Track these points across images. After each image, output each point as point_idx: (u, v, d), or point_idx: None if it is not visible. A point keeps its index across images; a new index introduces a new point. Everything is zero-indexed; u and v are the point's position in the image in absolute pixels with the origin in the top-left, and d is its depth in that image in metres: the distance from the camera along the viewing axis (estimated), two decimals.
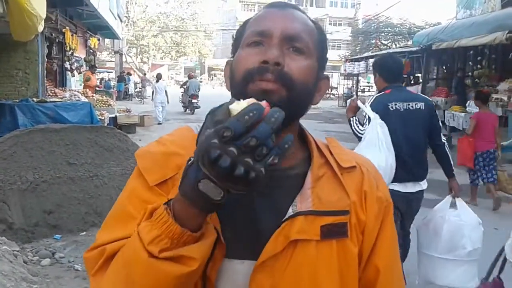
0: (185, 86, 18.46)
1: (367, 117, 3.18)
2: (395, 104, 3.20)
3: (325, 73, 0.94)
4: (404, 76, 17.28)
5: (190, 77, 18.85)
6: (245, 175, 0.64)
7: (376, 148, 2.98)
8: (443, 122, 12.42)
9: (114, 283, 0.76)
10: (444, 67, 17.09)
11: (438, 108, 13.32)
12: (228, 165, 0.64)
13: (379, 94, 3.34)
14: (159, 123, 14.42)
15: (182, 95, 18.78)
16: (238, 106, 0.68)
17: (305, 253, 0.83)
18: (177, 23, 40.74)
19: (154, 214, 0.74)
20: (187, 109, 18.00)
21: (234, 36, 0.92)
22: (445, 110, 12.81)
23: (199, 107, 17.33)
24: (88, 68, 15.60)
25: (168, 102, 15.42)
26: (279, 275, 0.82)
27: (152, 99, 15.29)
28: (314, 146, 0.92)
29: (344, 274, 0.86)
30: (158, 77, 16.59)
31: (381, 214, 0.91)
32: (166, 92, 15.23)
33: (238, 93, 0.83)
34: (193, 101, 17.45)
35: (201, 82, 25.93)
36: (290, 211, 0.84)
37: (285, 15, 0.87)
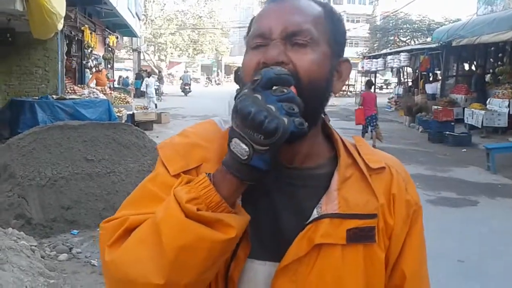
0: (182, 78, 29.40)
1: None
2: None
3: (345, 57, 0.87)
4: (423, 73, 17.08)
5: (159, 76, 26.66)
6: (266, 121, 0.65)
7: None
8: (462, 120, 12.23)
9: (138, 250, 0.71)
10: (464, 64, 16.82)
11: (458, 105, 13.14)
12: (250, 107, 0.65)
13: None
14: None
15: (181, 84, 28.84)
16: None
17: (329, 258, 0.79)
18: (195, 21, 40.87)
19: (193, 180, 0.71)
20: (184, 93, 27.69)
21: (245, 37, 0.88)
22: (465, 108, 12.60)
23: (191, 91, 28.05)
24: (109, 66, 15.74)
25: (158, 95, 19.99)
26: (302, 280, 0.79)
27: (146, 93, 17.95)
28: (341, 145, 0.87)
29: (370, 280, 0.82)
30: (149, 74, 20.60)
31: (409, 219, 0.86)
32: (156, 86, 19.41)
33: None
34: (186, 87, 27.93)
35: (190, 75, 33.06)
36: (315, 213, 0.80)
37: (283, 10, 0.81)
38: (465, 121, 12.21)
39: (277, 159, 0.76)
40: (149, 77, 19.32)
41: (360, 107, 10.94)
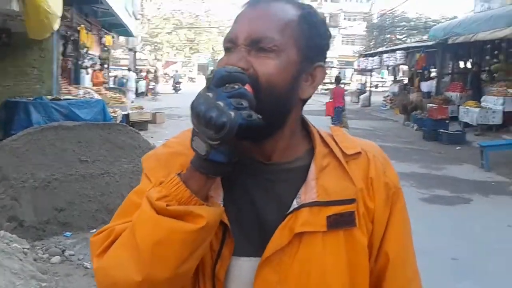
0: (173, 77, 31.94)
1: None
2: None
3: (319, 62, 0.87)
4: (419, 71, 17.11)
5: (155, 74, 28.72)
6: (214, 117, 0.69)
7: None
8: (456, 118, 12.25)
9: (119, 252, 0.76)
10: (459, 62, 16.84)
11: (452, 103, 13.16)
12: (201, 105, 0.70)
13: None
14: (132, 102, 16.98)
15: (172, 82, 31.15)
16: None
17: (311, 246, 0.81)
18: (191, 20, 40.81)
19: (164, 181, 0.77)
20: (175, 90, 29.70)
21: None
22: (459, 105, 12.62)
23: (181, 89, 29.63)
24: (105, 66, 15.73)
25: (136, 89, 22.35)
26: (285, 269, 0.81)
27: (123, 85, 20.19)
28: (317, 136, 0.89)
29: (353, 264, 0.84)
30: (130, 69, 23.49)
31: (390, 201, 0.88)
32: (135, 80, 22.13)
33: None
34: (177, 85, 30.05)
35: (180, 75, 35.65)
36: (295, 204, 0.82)
37: (252, 16, 0.83)
38: (460, 119, 12.23)
39: (242, 152, 0.83)
40: (129, 71, 22.04)
41: (330, 100, 12.44)
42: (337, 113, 11.93)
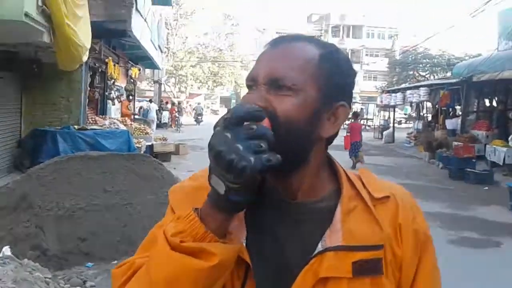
0: (195, 109, 33.23)
1: None
2: None
3: (342, 102, 0.85)
4: (443, 108, 16.94)
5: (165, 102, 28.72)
6: (234, 162, 0.68)
7: None
8: (483, 157, 11.99)
9: (135, 286, 0.78)
10: (485, 100, 16.64)
11: (479, 142, 12.92)
12: (220, 147, 0.69)
13: None
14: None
15: (194, 114, 32.59)
16: None
17: None
18: (215, 54, 41.63)
19: (182, 215, 0.77)
20: (196, 122, 30.68)
21: None
22: (486, 144, 12.37)
23: (203, 120, 30.48)
24: (130, 97, 16.11)
25: (158, 120, 23.33)
26: None
27: (147, 116, 21.22)
28: (345, 177, 0.88)
29: None
30: (151, 100, 25.20)
31: (419, 249, 0.85)
32: (156, 111, 23.15)
33: None
34: (199, 117, 31.02)
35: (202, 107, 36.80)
36: (319, 247, 0.80)
37: (272, 55, 0.84)
38: (487, 158, 11.97)
39: (266, 190, 0.84)
40: (150, 102, 23.69)
41: (347, 134, 12.81)
42: (353, 148, 12.59)
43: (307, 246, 0.81)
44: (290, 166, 0.82)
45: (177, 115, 26.59)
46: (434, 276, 0.87)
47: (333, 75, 0.84)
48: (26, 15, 5.23)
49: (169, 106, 27.42)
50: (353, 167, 12.08)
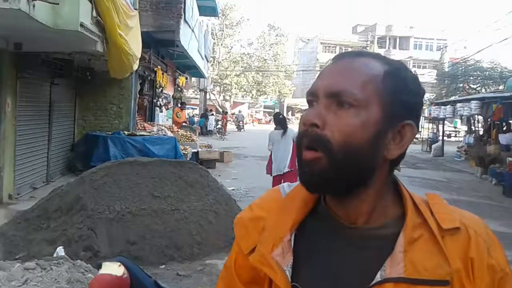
0: (237, 117, 34.45)
1: None
2: None
3: (408, 121, 0.80)
4: (496, 122, 16.26)
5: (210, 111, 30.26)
6: None
7: None
8: None
9: None
10: None
11: None
12: None
13: None
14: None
15: (235, 121, 34.02)
16: (105, 269, 0.85)
17: None
18: (259, 63, 41.94)
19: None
20: (238, 129, 32.39)
21: None
22: None
23: (243, 127, 32.69)
24: (178, 105, 16.45)
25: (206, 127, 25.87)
26: None
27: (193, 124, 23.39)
28: (410, 203, 0.81)
29: None
30: (209, 110, 28.61)
31: (495, 287, 0.76)
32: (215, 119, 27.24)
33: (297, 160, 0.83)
34: (240, 124, 32.70)
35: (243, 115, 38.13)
36: (378, 277, 0.75)
37: (335, 69, 0.81)
38: None
39: (326, 213, 0.84)
40: (211, 113, 27.00)
41: None
42: None
43: (364, 275, 0.76)
44: (349, 189, 0.79)
45: (222, 124, 26.98)
46: None
47: (399, 92, 0.79)
48: (82, 25, 5.44)
49: (214, 114, 28.06)
50: None
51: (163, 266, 4.60)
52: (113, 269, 0.78)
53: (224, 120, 27.49)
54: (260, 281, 0.84)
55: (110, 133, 9.35)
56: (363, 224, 0.81)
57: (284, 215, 0.85)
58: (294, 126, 5.26)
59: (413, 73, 0.84)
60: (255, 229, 0.87)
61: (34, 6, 4.60)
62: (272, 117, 8.02)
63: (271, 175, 7.45)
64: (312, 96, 0.80)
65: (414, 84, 0.82)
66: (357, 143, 0.75)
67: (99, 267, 0.79)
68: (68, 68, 8.42)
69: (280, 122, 7.48)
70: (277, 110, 52.57)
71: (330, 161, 0.75)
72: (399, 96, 0.79)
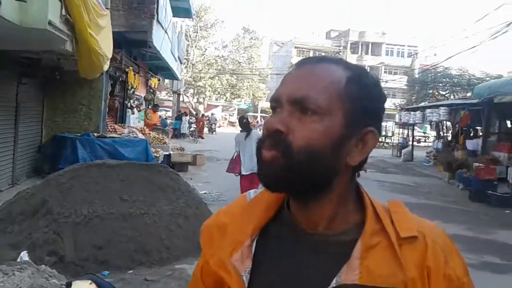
0: (209, 120, 33.82)
1: None
2: None
3: (371, 127, 0.80)
4: (464, 128, 16.71)
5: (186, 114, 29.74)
6: None
7: None
8: (505, 179, 11.75)
9: None
10: (507, 122, 16.38)
11: (501, 164, 12.66)
12: None
13: None
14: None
15: (208, 124, 33.18)
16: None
17: None
18: (234, 66, 41.94)
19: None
20: (210, 131, 32.58)
21: None
22: (508, 167, 12.12)
23: (215, 130, 33.57)
24: (149, 106, 16.25)
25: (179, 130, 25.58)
26: None
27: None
28: (371, 210, 0.81)
29: None
30: (185, 113, 27.61)
31: None
32: (188, 122, 26.92)
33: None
34: (212, 126, 33.40)
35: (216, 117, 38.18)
36: (333, 283, 0.76)
37: (298, 75, 0.80)
38: (509, 181, 11.71)
39: (287, 218, 0.84)
40: (186, 115, 26.49)
41: None
42: None
43: (322, 280, 0.77)
44: (310, 192, 0.79)
45: (195, 126, 26.83)
46: None
47: (361, 99, 0.79)
48: (50, 23, 5.33)
49: (188, 116, 27.80)
50: (358, 175, 12.91)
51: (131, 271, 4.52)
52: (86, 287, 0.75)
53: (201, 123, 27.38)
54: (222, 286, 0.84)
55: (79, 134, 9.14)
56: (324, 230, 0.81)
57: (246, 220, 0.85)
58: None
59: (375, 78, 0.84)
60: (219, 236, 0.88)
61: (0, 3, 4.47)
62: (238, 121, 8.63)
63: (238, 175, 7.80)
64: (275, 102, 0.80)
65: (375, 90, 0.82)
66: (318, 149, 0.76)
67: (68, 286, 0.76)
68: (36, 67, 8.21)
69: (244, 125, 7.89)
70: (251, 114, 52.82)
71: (289, 162, 0.75)
72: (361, 102, 0.79)
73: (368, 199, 0.83)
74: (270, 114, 0.83)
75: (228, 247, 0.83)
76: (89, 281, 0.75)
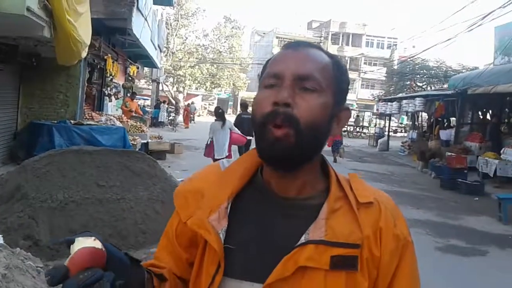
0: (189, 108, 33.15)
1: None
2: None
3: (345, 105, 0.97)
4: (438, 119, 17.08)
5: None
6: None
7: None
8: (475, 168, 12.12)
9: None
10: (479, 113, 16.80)
11: (471, 153, 13.03)
12: None
13: None
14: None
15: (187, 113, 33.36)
16: (79, 244, 0.80)
17: (313, 281, 0.85)
18: (214, 56, 41.69)
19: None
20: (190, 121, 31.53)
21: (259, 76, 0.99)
22: (479, 156, 12.49)
23: (194, 119, 33.36)
24: (128, 94, 16.14)
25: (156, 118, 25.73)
26: None
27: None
28: (334, 179, 0.94)
29: None
30: (163, 101, 28.20)
31: (398, 252, 0.90)
32: (167, 110, 27.16)
33: (258, 138, 0.90)
34: (191, 116, 31.93)
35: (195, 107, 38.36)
36: (302, 239, 0.87)
37: (297, 56, 0.91)
38: (479, 170, 12.09)
39: (261, 183, 0.95)
40: (164, 103, 26.48)
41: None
42: (335, 145, 14.89)
43: (291, 238, 0.87)
44: (304, 161, 0.91)
45: (174, 115, 26.68)
46: (412, 278, 0.92)
47: (341, 81, 0.94)
48: (28, 9, 5.28)
49: (166, 105, 27.55)
50: (334, 160, 14.70)
51: None
52: (90, 242, 0.79)
53: (186, 112, 27.21)
54: (197, 244, 0.95)
55: (55, 122, 9.08)
56: (295, 195, 0.93)
57: (223, 186, 0.95)
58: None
59: (345, 66, 0.99)
60: (194, 199, 0.97)
61: None
62: (213, 111, 9.59)
63: (212, 159, 8.59)
64: (276, 79, 0.89)
65: (347, 74, 0.98)
66: (319, 123, 0.88)
67: (68, 242, 0.80)
68: (12, 53, 8.10)
69: (220, 115, 8.76)
70: (230, 103, 52.69)
71: (298, 138, 0.86)
72: (342, 84, 0.94)
73: (332, 169, 0.97)
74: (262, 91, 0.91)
75: (206, 209, 0.92)
76: (93, 238, 0.81)
